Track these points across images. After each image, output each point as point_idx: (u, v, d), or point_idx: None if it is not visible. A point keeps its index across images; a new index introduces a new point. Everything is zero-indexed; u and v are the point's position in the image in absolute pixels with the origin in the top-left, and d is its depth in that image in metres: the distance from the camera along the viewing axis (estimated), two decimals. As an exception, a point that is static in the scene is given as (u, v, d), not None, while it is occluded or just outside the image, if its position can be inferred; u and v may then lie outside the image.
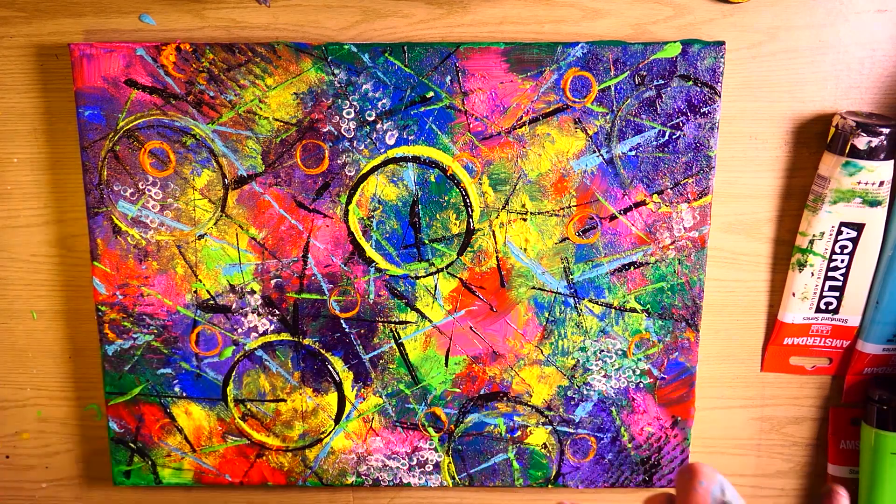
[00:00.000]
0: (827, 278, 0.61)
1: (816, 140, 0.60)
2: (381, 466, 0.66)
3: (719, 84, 0.58)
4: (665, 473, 0.65)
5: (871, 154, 0.56)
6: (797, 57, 0.59)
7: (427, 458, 0.66)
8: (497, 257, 0.61)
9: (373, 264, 0.62)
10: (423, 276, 0.62)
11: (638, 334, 0.63)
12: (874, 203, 0.59)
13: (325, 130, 0.59)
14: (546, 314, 0.62)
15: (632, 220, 0.60)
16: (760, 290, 0.64)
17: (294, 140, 0.60)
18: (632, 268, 0.61)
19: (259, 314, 0.63)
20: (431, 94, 0.59)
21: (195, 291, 0.62)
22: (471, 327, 0.63)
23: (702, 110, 0.58)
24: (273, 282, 0.62)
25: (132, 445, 0.65)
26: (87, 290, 0.64)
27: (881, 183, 0.58)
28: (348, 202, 0.61)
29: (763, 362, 0.65)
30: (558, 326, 0.63)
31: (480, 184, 0.60)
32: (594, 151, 0.59)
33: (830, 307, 0.62)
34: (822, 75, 0.59)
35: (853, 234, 0.60)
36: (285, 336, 0.63)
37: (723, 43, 0.57)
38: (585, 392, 0.64)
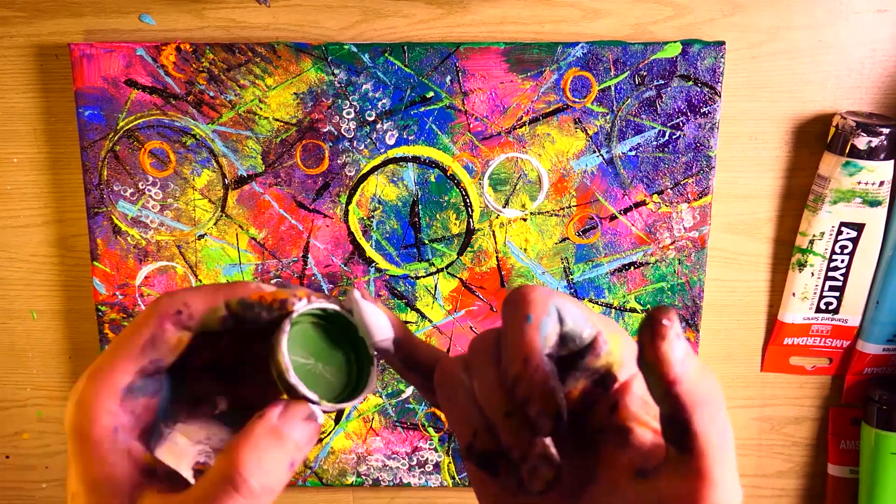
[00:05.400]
0: (827, 278, 0.61)
1: (816, 140, 0.60)
2: (381, 466, 0.66)
3: (719, 84, 0.58)
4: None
5: (871, 154, 0.56)
6: (797, 57, 0.59)
7: (427, 459, 0.65)
8: (497, 257, 0.61)
9: (373, 264, 0.62)
10: (423, 277, 0.62)
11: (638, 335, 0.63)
12: (874, 203, 0.58)
13: (325, 130, 0.59)
14: (546, 314, 0.62)
15: (632, 220, 0.60)
16: (760, 290, 0.64)
17: (294, 140, 0.60)
18: (632, 268, 0.61)
19: (259, 314, 0.63)
20: (431, 94, 0.59)
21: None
22: (471, 327, 0.63)
23: (702, 110, 0.58)
24: (273, 282, 0.62)
25: (132, 445, 0.65)
26: (87, 290, 0.64)
27: (881, 183, 0.58)
28: (348, 202, 0.61)
29: (763, 362, 0.65)
30: (558, 326, 0.63)
31: (480, 184, 0.60)
32: (594, 151, 0.59)
33: (830, 307, 0.62)
34: (822, 75, 0.59)
35: (853, 234, 0.60)
36: (285, 336, 0.63)
37: (723, 43, 0.57)
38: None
